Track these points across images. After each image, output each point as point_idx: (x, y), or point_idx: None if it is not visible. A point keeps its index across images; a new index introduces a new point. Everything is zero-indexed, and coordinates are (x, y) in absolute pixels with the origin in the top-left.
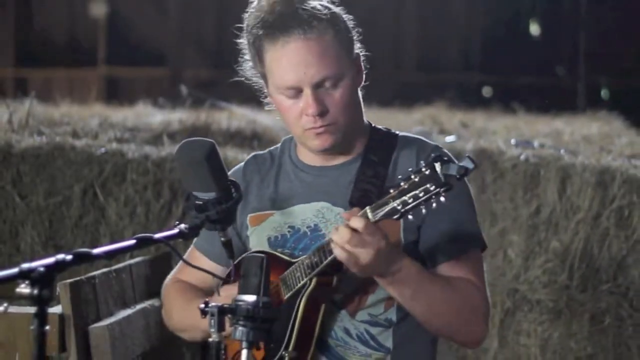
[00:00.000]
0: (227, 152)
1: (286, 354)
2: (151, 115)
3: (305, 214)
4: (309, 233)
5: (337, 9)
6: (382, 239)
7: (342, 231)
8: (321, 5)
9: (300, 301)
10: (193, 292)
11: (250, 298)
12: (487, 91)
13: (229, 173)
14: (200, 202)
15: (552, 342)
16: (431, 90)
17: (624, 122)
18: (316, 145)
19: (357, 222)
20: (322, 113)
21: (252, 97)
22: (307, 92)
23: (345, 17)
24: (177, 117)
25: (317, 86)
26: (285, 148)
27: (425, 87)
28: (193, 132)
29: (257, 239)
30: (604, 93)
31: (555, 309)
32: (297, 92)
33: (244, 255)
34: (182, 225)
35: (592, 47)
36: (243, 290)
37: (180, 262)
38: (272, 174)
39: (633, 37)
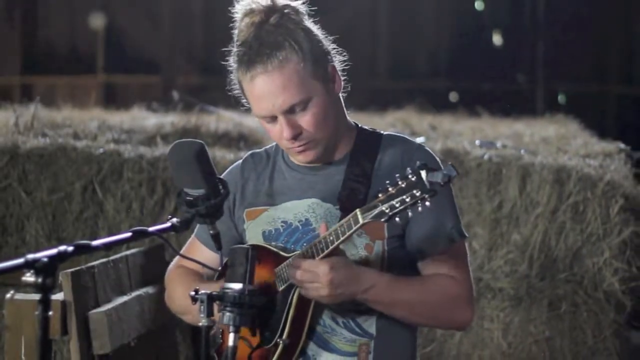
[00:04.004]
0: (216, 152)
1: (280, 341)
2: (145, 119)
3: (297, 209)
4: (300, 227)
5: (307, 27)
6: (329, 272)
7: (292, 273)
8: (286, 30)
9: (294, 293)
10: (194, 279)
11: (237, 286)
12: (453, 96)
13: (227, 170)
14: (191, 198)
15: (513, 327)
16: (402, 96)
17: (579, 124)
18: (300, 159)
19: (300, 262)
20: (296, 136)
21: (238, 101)
22: (280, 119)
23: (316, 31)
24: (170, 120)
25: (288, 112)
26: (278, 148)
27: (397, 93)
28: (184, 133)
29: (253, 232)
30: (561, 98)
31: (516, 296)
32: (273, 118)
33: (231, 247)
34: (174, 219)
35: (549, 55)
36: (230, 279)
37: (184, 249)
38: (267, 172)
39: (587, 46)
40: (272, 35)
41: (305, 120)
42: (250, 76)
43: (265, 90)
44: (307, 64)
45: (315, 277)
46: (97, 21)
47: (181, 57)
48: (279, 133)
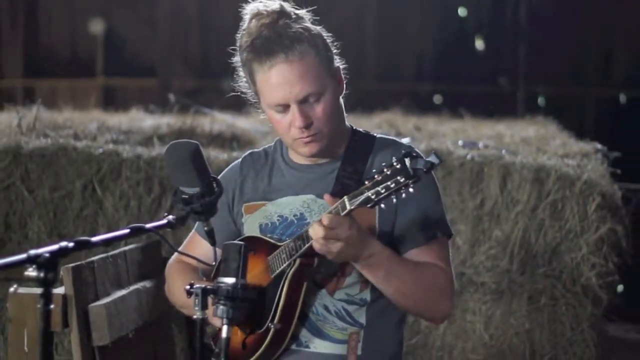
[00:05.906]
0: (210, 153)
1: (272, 326)
2: (143, 120)
3: (293, 204)
4: (295, 221)
5: (317, 30)
6: (349, 230)
7: (315, 228)
8: (302, 28)
9: (285, 279)
10: (193, 273)
11: (230, 280)
12: (437, 99)
13: (228, 168)
14: (186, 196)
15: (494, 319)
16: (388, 98)
17: (558, 126)
18: (305, 152)
19: (327, 219)
20: (308, 125)
21: (232, 104)
22: (294, 107)
23: (325, 35)
24: (166, 121)
25: (302, 102)
26: (277, 147)
27: (383, 96)
28: (180, 134)
29: (251, 225)
30: (540, 100)
31: (498, 290)
32: (285, 107)
33: (225, 243)
34: (170, 217)
35: (530, 60)
36: (223, 274)
37: (183, 245)
38: (266, 170)
39: (566, 52)
40: (290, 30)
41: (317, 111)
42: (269, 65)
43: (284, 78)
44: (323, 60)
45: (335, 235)
46: (97, 26)
47: (177, 61)
48: (288, 123)
